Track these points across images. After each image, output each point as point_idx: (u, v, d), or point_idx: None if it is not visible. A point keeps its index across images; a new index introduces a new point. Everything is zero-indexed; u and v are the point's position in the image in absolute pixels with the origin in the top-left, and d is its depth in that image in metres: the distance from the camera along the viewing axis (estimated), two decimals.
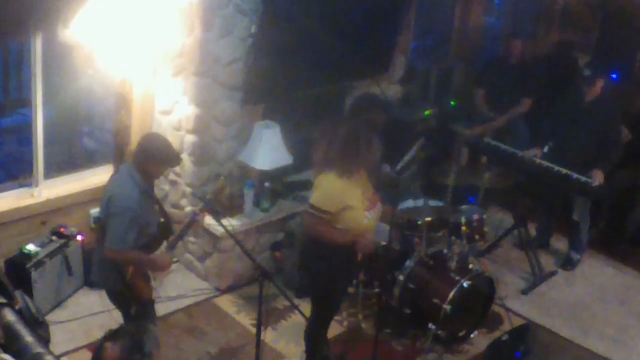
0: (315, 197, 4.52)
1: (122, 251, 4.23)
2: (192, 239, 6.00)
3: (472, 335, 5.54)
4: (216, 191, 4.74)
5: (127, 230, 4.20)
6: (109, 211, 4.26)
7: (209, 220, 5.68)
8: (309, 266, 4.75)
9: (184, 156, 5.82)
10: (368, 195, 4.56)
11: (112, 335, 3.11)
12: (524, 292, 6.28)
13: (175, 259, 4.53)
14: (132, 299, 4.40)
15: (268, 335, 5.01)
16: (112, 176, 4.56)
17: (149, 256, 4.39)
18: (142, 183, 4.29)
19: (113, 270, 4.33)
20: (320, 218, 4.46)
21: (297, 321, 5.49)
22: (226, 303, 5.83)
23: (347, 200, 4.44)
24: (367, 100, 6.12)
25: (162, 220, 4.52)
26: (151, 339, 3.12)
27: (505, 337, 5.33)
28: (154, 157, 4.29)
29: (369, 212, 4.53)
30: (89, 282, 5.76)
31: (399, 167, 6.09)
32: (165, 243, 4.52)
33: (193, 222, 4.56)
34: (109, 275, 4.38)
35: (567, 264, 6.67)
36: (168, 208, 5.80)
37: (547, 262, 6.66)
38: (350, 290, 5.41)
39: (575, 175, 6.11)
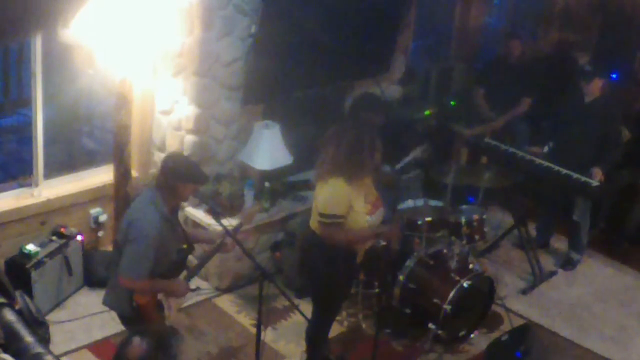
0: (322, 204, 4.48)
1: (137, 280, 4.08)
2: None
3: (472, 335, 5.54)
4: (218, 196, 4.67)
5: (143, 259, 4.03)
6: (127, 237, 4.08)
7: (208, 220, 5.68)
8: (311, 268, 4.75)
9: None
10: (371, 200, 4.56)
11: (141, 331, 3.06)
12: (524, 292, 6.28)
13: (193, 287, 4.42)
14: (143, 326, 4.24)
15: (268, 335, 5.01)
16: (133, 199, 4.39)
17: (164, 282, 4.23)
18: (164, 209, 4.11)
19: (124, 295, 4.19)
20: (334, 224, 4.44)
21: (297, 321, 5.49)
22: (226, 303, 5.83)
23: (352, 202, 4.44)
24: (366, 101, 6.13)
25: (184, 246, 4.33)
26: (178, 343, 3.09)
27: (505, 337, 5.33)
28: (179, 177, 4.09)
29: (371, 217, 4.53)
30: (89, 282, 5.77)
31: (399, 166, 6.09)
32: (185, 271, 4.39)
33: (219, 249, 4.45)
34: (121, 300, 4.25)
35: (567, 264, 6.67)
36: None
37: (547, 262, 6.66)
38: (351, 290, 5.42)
39: (575, 175, 6.11)
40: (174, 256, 4.25)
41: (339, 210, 4.42)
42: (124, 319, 4.39)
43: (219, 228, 4.41)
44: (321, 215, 4.47)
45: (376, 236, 4.59)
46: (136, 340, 3.01)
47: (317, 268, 4.66)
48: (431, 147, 6.50)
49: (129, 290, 4.15)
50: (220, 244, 4.45)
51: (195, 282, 4.47)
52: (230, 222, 4.52)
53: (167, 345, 3.02)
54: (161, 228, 4.08)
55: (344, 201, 4.42)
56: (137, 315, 4.21)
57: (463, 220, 5.68)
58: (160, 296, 4.27)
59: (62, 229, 5.60)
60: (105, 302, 4.42)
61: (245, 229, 4.73)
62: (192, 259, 4.67)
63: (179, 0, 5.52)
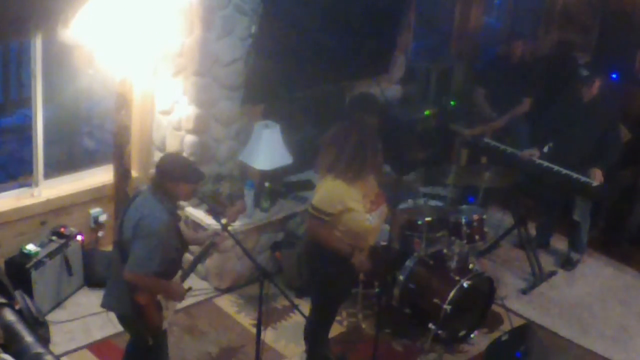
0: (316, 198, 4.54)
1: (144, 276, 4.06)
2: None
3: (472, 335, 5.55)
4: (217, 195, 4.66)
5: (152, 255, 4.03)
6: (136, 233, 4.06)
7: (209, 220, 5.68)
8: (312, 267, 4.75)
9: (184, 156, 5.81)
10: (371, 198, 4.56)
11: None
12: (524, 292, 6.28)
13: (188, 287, 4.44)
14: (143, 327, 4.26)
15: (268, 335, 5.01)
16: (132, 199, 4.29)
17: (166, 283, 4.23)
18: (170, 206, 4.14)
19: (125, 295, 4.16)
20: (321, 219, 4.47)
21: (297, 321, 5.49)
22: (226, 303, 5.83)
23: (348, 202, 4.44)
24: (360, 101, 6.14)
25: (178, 246, 4.32)
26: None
27: (505, 337, 5.33)
28: (172, 177, 4.12)
29: (372, 214, 4.53)
30: (89, 282, 5.77)
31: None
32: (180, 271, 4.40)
33: (212, 247, 4.47)
34: (122, 301, 4.22)
35: (567, 264, 6.67)
36: None
37: (547, 262, 6.65)
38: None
39: (575, 175, 6.11)
40: (173, 255, 4.25)
41: (330, 209, 4.45)
42: (123, 320, 4.39)
43: (217, 226, 4.43)
44: (312, 207, 4.53)
45: (351, 253, 4.55)
46: None
47: (318, 269, 4.66)
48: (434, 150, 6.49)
49: (130, 291, 4.14)
50: (209, 245, 4.46)
51: (187, 282, 4.49)
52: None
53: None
54: (169, 225, 4.11)
55: (337, 201, 4.44)
56: (137, 316, 4.21)
57: (463, 220, 5.68)
58: (159, 296, 4.28)
59: (62, 229, 5.61)
60: (104, 304, 4.42)
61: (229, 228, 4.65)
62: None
63: (179, 0, 5.52)
